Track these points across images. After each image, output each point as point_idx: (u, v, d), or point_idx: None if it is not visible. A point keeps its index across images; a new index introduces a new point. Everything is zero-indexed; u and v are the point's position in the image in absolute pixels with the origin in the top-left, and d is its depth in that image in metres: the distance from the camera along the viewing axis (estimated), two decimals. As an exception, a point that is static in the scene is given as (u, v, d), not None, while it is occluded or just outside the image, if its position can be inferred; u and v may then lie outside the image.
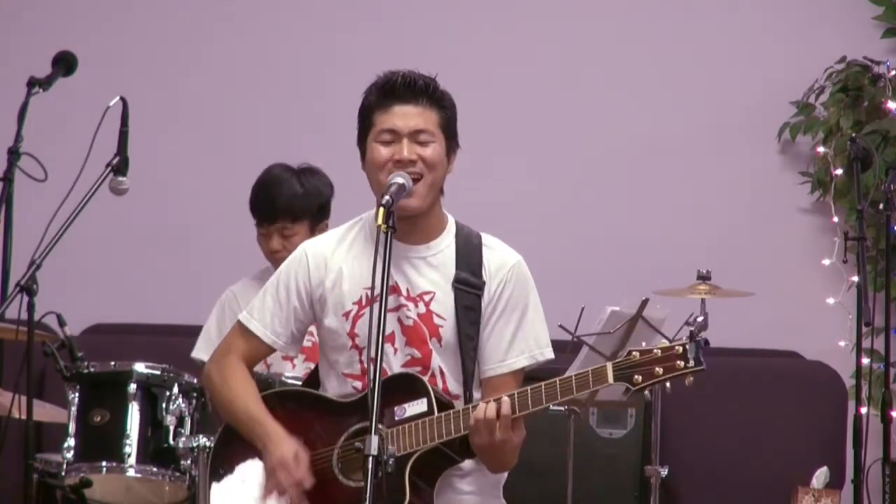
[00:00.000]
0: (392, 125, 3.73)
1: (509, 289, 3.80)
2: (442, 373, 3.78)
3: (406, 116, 3.73)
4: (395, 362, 3.76)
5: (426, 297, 3.78)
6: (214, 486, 3.94)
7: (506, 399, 3.58)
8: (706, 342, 3.49)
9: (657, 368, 3.50)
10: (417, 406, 3.66)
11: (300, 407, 3.86)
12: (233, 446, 3.91)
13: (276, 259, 4.79)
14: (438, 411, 3.64)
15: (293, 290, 3.87)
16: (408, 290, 3.78)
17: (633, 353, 3.52)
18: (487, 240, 3.85)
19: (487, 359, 3.79)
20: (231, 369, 3.90)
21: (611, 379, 3.53)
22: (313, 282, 3.85)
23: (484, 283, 3.78)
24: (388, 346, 3.74)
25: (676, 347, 3.49)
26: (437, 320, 3.77)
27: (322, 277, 3.84)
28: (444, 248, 3.82)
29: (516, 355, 3.79)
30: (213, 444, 4.12)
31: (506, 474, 3.87)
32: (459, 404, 3.73)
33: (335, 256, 3.85)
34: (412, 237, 3.78)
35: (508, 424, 3.57)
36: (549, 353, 3.84)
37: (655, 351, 3.51)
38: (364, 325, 3.77)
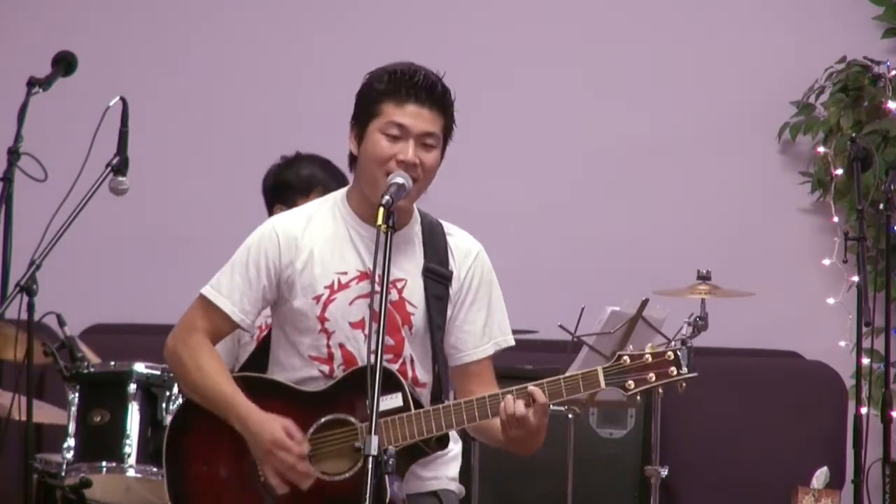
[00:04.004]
0: (404, 122, 3.68)
1: (477, 276, 3.81)
2: (412, 361, 3.77)
3: (419, 118, 3.69)
4: (365, 349, 3.71)
5: (398, 285, 3.75)
6: (172, 473, 3.82)
7: (536, 389, 3.54)
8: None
9: (649, 374, 3.48)
10: (392, 400, 3.62)
11: (266, 395, 3.76)
12: (190, 432, 3.83)
13: None
14: (414, 407, 3.64)
15: (263, 269, 3.79)
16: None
17: (624, 357, 3.50)
18: (449, 227, 3.85)
19: (463, 344, 3.80)
20: (198, 347, 3.81)
21: (602, 383, 3.51)
22: (283, 261, 3.78)
23: (451, 272, 3.79)
24: (358, 333, 3.73)
25: (668, 353, 3.47)
26: (409, 308, 3.76)
27: (292, 258, 3.78)
28: (413, 235, 3.81)
29: (487, 342, 3.81)
30: (166, 432, 3.93)
31: (460, 459, 3.88)
32: (424, 392, 3.74)
33: (305, 237, 3.79)
34: None
35: (541, 411, 3.53)
36: (511, 341, 3.85)
37: (646, 356, 3.49)
38: (335, 309, 3.73)
